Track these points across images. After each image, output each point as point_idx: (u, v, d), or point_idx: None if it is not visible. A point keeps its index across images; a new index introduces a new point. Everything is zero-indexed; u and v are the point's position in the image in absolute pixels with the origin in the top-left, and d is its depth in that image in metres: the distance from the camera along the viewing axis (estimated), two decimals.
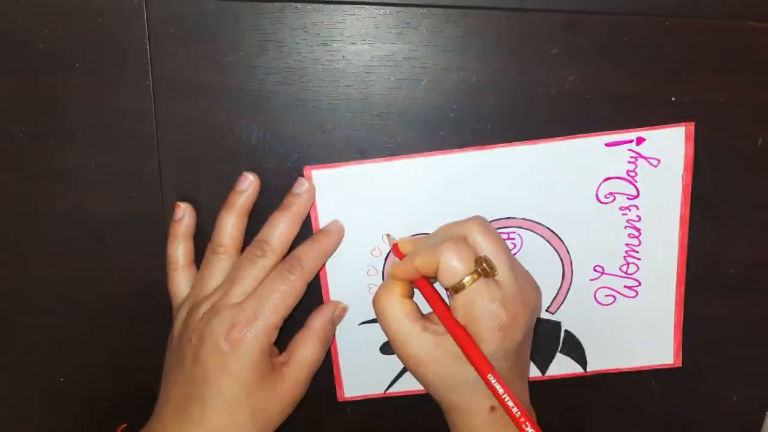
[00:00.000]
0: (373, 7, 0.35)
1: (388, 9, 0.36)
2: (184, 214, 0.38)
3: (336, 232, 0.38)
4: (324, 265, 0.39)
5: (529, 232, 0.39)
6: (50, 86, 0.37)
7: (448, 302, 0.35)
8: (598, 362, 0.42)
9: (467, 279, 0.33)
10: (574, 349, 0.42)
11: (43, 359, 0.42)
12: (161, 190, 0.39)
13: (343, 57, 0.36)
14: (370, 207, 0.38)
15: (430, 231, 0.38)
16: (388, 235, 0.38)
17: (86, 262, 0.40)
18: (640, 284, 0.40)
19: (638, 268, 0.40)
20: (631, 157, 0.38)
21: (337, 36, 0.36)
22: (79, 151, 0.38)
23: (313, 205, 0.38)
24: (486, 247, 0.34)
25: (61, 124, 0.38)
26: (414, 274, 0.35)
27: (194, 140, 0.38)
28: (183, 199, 0.39)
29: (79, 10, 0.36)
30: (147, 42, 0.36)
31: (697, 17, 0.36)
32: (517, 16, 0.36)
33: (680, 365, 0.42)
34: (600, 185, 0.38)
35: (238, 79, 0.36)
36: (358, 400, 0.42)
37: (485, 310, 0.33)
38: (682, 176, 0.38)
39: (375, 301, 0.36)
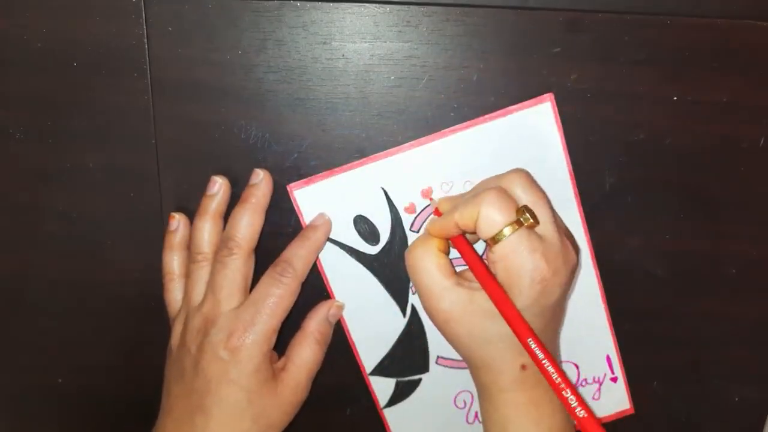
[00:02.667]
0: (373, 5, 0.35)
1: (388, 7, 0.35)
2: (179, 225, 0.38)
3: (322, 226, 0.38)
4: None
5: None
6: (48, 85, 0.37)
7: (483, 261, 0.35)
8: None
9: (507, 229, 0.32)
10: None
11: (42, 359, 0.42)
12: (160, 190, 0.39)
13: (343, 55, 0.36)
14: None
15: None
16: (431, 198, 0.38)
17: (84, 262, 0.40)
18: None
19: None
20: (597, 380, 0.41)
21: (336, 34, 0.36)
22: (78, 150, 0.38)
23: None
24: (527, 200, 0.33)
25: (59, 123, 0.37)
26: (453, 229, 0.34)
27: (193, 139, 0.38)
28: (181, 199, 0.39)
29: (77, 9, 0.35)
30: (145, 41, 0.36)
31: (698, 16, 0.36)
32: (519, 14, 0.35)
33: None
34: (568, 362, 0.41)
35: (237, 78, 0.36)
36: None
37: (525, 262, 0.32)
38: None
39: (409, 254, 0.35)
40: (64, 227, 0.39)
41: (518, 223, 0.32)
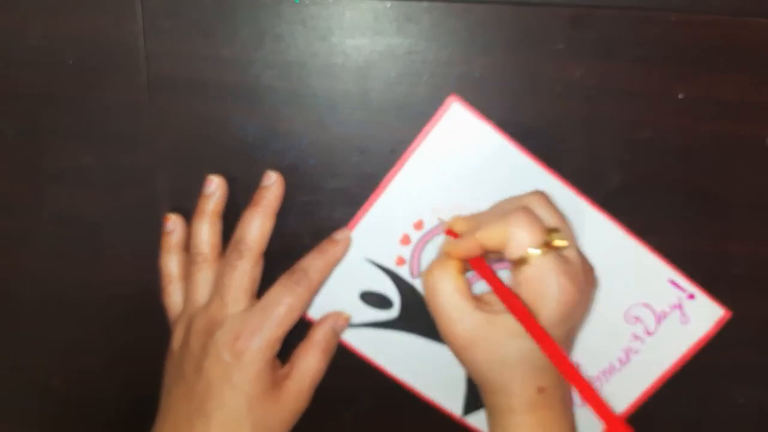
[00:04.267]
0: (373, 0, 0.35)
1: (388, 2, 0.35)
2: (175, 227, 0.38)
3: (343, 242, 0.38)
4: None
5: None
6: (44, 83, 0.37)
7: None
8: None
9: (536, 251, 0.32)
10: None
11: (38, 360, 0.42)
12: (156, 189, 0.38)
13: (343, 51, 0.36)
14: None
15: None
16: (439, 218, 0.38)
17: (81, 262, 0.40)
18: None
19: (600, 389, 0.42)
20: (675, 304, 0.40)
21: (336, 30, 0.36)
22: (73, 149, 0.38)
23: (422, 134, 0.37)
24: (550, 221, 0.34)
25: (54, 122, 0.37)
26: (475, 250, 0.34)
27: (190, 137, 0.37)
28: (179, 197, 0.39)
29: (72, 5, 0.35)
30: (142, 38, 0.36)
31: (704, 13, 0.36)
32: (522, 10, 0.35)
33: None
34: (636, 305, 0.40)
35: (235, 75, 0.36)
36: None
37: (553, 284, 0.32)
38: (689, 348, 0.41)
39: (427, 276, 0.35)
40: (59, 226, 0.39)
41: (547, 245, 0.32)
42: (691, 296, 0.40)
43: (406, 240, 0.39)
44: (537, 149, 0.37)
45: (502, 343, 0.33)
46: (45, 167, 0.38)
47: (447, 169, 0.38)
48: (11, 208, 0.39)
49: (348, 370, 0.41)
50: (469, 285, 0.35)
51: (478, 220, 0.35)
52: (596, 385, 0.41)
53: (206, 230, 0.37)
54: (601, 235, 0.39)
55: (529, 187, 0.37)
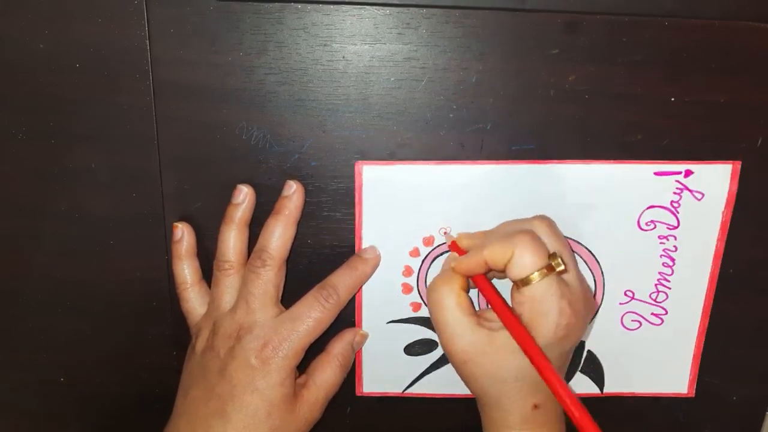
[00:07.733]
0: (374, 7, 0.35)
1: (388, 9, 0.36)
2: (183, 234, 0.38)
3: (372, 260, 0.39)
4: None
5: None
6: (51, 86, 0.37)
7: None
8: (614, 385, 0.43)
9: (537, 273, 0.33)
10: (594, 370, 0.42)
11: (44, 359, 0.43)
12: (161, 190, 0.39)
13: (343, 57, 0.36)
14: (414, 207, 0.38)
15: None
16: (446, 232, 0.39)
17: (86, 262, 0.40)
18: (666, 313, 0.41)
19: (667, 296, 0.41)
20: (677, 188, 0.39)
21: (337, 36, 0.36)
22: (80, 151, 0.38)
23: (358, 199, 0.38)
24: (553, 246, 0.34)
25: (61, 124, 0.38)
26: (480, 267, 0.35)
27: (194, 140, 0.38)
28: (183, 200, 0.39)
29: (79, 10, 0.36)
30: (147, 42, 0.36)
31: (696, 17, 0.36)
32: (517, 16, 0.36)
33: (693, 395, 0.43)
34: (643, 212, 0.39)
35: (239, 80, 0.36)
36: (371, 397, 0.43)
37: (552, 306, 0.33)
38: (723, 212, 0.39)
39: (431, 291, 0.36)
40: (66, 227, 0.40)
41: (549, 268, 0.33)
42: (689, 172, 0.39)
43: (408, 271, 0.40)
44: (532, 152, 0.38)
45: (499, 360, 0.34)
46: (52, 169, 0.38)
47: (398, 213, 0.39)
48: (20, 208, 0.39)
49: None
50: (471, 301, 0.36)
51: (484, 239, 0.36)
52: (662, 297, 0.41)
53: (233, 237, 0.37)
54: (569, 180, 0.39)
55: (480, 189, 0.38)
